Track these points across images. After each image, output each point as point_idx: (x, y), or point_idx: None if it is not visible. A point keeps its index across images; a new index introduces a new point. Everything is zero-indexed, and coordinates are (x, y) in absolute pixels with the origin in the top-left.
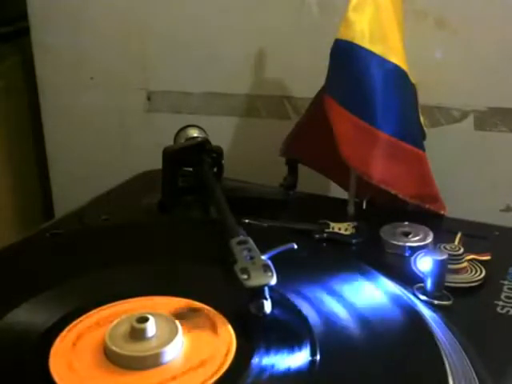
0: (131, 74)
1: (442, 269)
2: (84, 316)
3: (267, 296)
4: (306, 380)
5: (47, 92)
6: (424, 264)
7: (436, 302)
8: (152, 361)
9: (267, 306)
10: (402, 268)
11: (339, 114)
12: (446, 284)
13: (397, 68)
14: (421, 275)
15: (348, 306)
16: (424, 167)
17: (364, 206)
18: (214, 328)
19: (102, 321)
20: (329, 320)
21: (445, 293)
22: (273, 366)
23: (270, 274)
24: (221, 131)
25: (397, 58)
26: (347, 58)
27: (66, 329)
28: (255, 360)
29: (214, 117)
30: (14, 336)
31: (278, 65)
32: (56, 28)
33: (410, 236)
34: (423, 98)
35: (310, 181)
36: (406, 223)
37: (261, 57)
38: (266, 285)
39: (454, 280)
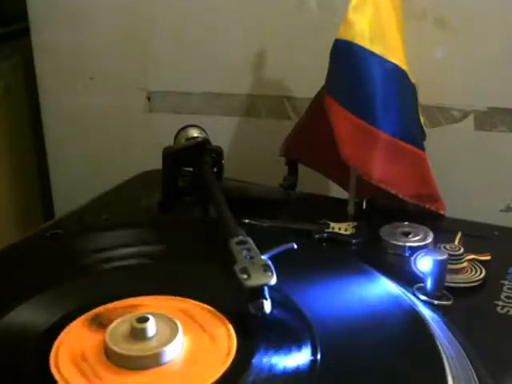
0: (131, 74)
1: (442, 269)
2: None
3: (267, 296)
4: (307, 380)
5: (47, 92)
6: (424, 264)
7: (436, 302)
8: (152, 361)
9: (267, 306)
10: (401, 268)
11: (339, 114)
12: (446, 284)
13: (397, 68)
14: (421, 275)
15: (348, 305)
16: (424, 167)
17: (364, 206)
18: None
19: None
20: (329, 320)
21: (445, 293)
22: (273, 366)
23: (269, 273)
24: (221, 131)
25: (397, 57)
26: (347, 58)
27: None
28: (255, 360)
29: (214, 117)
30: (14, 336)
31: (278, 65)
32: (56, 28)
33: (410, 236)
34: (423, 98)
35: (310, 181)
36: (406, 223)
37: (261, 57)
38: (265, 285)
39: (453, 280)
